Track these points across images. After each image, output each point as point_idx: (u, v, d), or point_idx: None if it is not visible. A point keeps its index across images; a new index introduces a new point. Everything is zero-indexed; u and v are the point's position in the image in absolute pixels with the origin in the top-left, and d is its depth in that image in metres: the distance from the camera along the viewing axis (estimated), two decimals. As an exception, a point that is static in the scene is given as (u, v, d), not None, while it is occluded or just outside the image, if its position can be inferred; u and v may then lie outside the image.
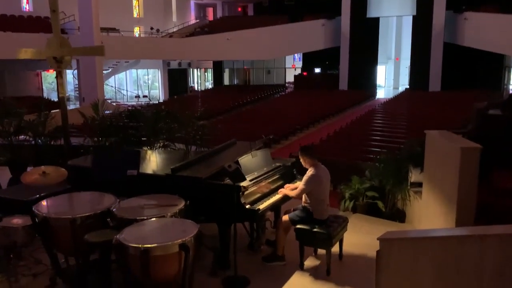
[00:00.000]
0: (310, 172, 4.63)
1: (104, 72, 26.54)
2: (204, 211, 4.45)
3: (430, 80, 25.17)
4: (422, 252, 3.14)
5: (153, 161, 5.47)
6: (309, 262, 4.87)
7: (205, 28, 28.69)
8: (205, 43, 25.63)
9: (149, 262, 3.29)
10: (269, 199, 4.65)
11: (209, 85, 35.45)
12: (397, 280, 3.31)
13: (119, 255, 3.47)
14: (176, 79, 31.39)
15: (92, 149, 5.71)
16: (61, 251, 4.20)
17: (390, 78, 35.28)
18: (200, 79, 36.83)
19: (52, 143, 7.19)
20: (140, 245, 3.28)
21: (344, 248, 5.01)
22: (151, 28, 28.09)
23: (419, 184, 6.02)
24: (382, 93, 29.82)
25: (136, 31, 29.80)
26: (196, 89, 34.17)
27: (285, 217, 4.76)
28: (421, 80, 25.47)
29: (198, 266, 4.27)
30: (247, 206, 4.27)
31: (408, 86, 28.38)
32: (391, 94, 27.12)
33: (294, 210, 4.86)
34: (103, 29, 24.11)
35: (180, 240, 3.35)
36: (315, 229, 4.51)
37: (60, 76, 6.26)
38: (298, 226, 4.60)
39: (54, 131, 6.99)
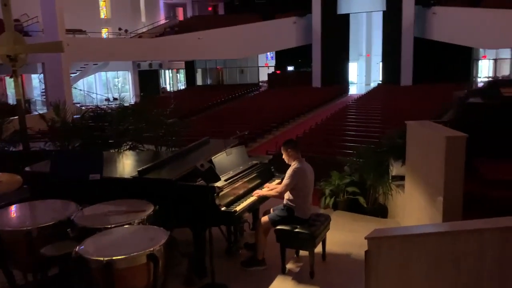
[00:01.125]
0: (294, 165, 4.34)
1: (72, 75, 25.71)
2: (176, 216, 4.09)
3: (401, 75, 25.35)
4: (415, 250, 2.88)
5: (120, 164, 5.07)
6: (291, 265, 4.56)
7: (175, 28, 28.14)
8: (176, 43, 25.14)
9: (114, 276, 2.92)
10: (246, 199, 4.32)
11: (182, 86, 34.86)
12: (388, 281, 3.04)
13: (79, 269, 3.08)
14: (147, 80, 30.68)
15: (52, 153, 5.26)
16: (17, 267, 3.77)
17: (362, 75, 35.49)
18: (172, 80, 36.19)
19: (11, 149, 6.67)
20: (102, 258, 2.91)
21: (327, 247, 4.73)
22: (119, 29, 27.35)
23: (401, 178, 5.82)
24: (354, 89, 29.93)
25: (104, 33, 28.98)
26: (168, 90, 33.52)
27: (265, 218, 4.45)
28: (392, 75, 25.68)
29: (172, 275, 3.94)
30: (223, 208, 3.94)
31: (379, 82, 28.53)
32: (363, 90, 27.18)
33: (274, 210, 4.56)
34: (69, 31, 23.29)
35: (147, 250, 2.99)
36: (296, 229, 4.21)
37: (15, 76, 5.78)
38: (279, 227, 4.29)
39: (12, 136, 6.48)
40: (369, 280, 3.09)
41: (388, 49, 26.06)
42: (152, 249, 3.01)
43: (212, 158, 4.33)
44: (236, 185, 4.37)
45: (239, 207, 4.09)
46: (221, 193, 4.04)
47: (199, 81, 34.45)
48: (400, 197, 5.71)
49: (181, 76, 35.78)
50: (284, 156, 4.47)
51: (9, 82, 26.75)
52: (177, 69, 35.30)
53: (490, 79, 25.00)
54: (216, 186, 3.93)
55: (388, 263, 2.97)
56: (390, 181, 5.91)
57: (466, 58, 25.91)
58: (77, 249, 3.07)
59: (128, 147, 6.49)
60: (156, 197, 4.06)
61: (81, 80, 28.40)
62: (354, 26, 30.11)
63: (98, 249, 3.06)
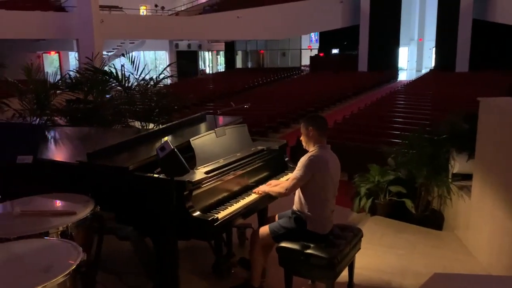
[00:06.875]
0: (311, 152, 2.97)
1: (109, 53, 25.18)
2: (132, 220, 2.85)
3: (457, 61, 23.19)
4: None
5: (81, 142, 3.86)
6: (302, 296, 3.21)
7: (214, 6, 26.91)
8: (214, 22, 23.91)
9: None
10: (238, 201, 2.98)
11: (222, 68, 33.80)
12: None
13: None
14: (185, 61, 29.74)
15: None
16: None
17: (412, 60, 33.37)
18: (212, 62, 35.21)
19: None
20: None
21: (357, 272, 3.33)
22: (156, 6, 26.45)
23: (466, 176, 4.30)
24: (404, 76, 27.82)
25: (142, 10, 28.18)
26: (207, 72, 32.55)
27: (264, 229, 3.08)
28: (447, 61, 23.57)
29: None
30: (195, 214, 2.62)
31: (432, 68, 26.30)
32: (414, 77, 25.06)
33: (280, 217, 3.21)
34: (105, 7, 22.65)
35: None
36: (308, 251, 2.83)
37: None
38: (283, 244, 2.93)
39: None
40: None
41: (443, 32, 23.87)
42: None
43: (191, 140, 3.00)
44: (227, 179, 3.03)
45: (223, 213, 2.75)
46: (197, 192, 2.72)
47: (239, 64, 33.31)
48: (463, 203, 4.19)
49: (221, 58, 34.69)
50: (302, 137, 3.09)
51: (47, 59, 26.64)
52: (217, 51, 34.23)
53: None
54: (187, 181, 2.62)
55: None
56: (449, 180, 4.39)
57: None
58: None
59: (120, 124, 5.25)
60: (107, 191, 2.85)
61: (118, 59, 27.84)
62: (406, 8, 27.84)
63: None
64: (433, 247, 4.06)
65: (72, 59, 26.42)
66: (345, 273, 3.17)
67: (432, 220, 4.57)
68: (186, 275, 3.33)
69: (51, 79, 5.36)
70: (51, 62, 26.89)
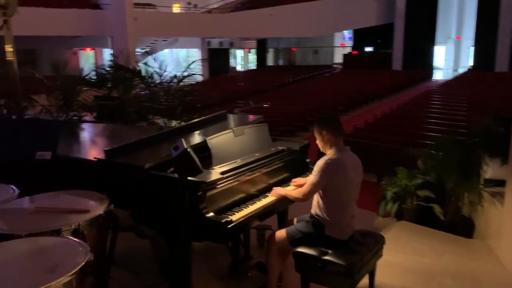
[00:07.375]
0: (328, 156, 2.87)
1: (142, 51, 25.58)
2: (146, 218, 2.82)
3: (496, 60, 22.31)
4: None
5: (103, 139, 3.88)
6: (320, 303, 3.10)
7: (246, 4, 26.92)
8: (245, 20, 23.93)
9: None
10: (255, 203, 2.90)
11: (253, 66, 33.81)
12: None
13: None
14: (217, 59, 29.89)
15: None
16: None
17: (449, 60, 32.28)
18: (243, 60, 35.26)
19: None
20: None
21: (378, 279, 3.19)
22: (188, 3, 26.70)
23: (499, 182, 4.08)
24: (440, 75, 27.02)
25: (176, 8, 28.49)
26: (238, 70, 32.63)
27: (281, 233, 3.00)
28: (486, 60, 22.69)
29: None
30: (209, 215, 2.55)
31: (470, 68, 25.44)
32: (450, 76, 24.29)
33: (298, 221, 3.12)
34: (138, 5, 22.98)
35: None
36: (326, 257, 2.73)
37: (7, 27, 4.75)
38: (300, 249, 2.84)
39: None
40: None
41: (483, 31, 22.99)
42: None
43: (207, 139, 2.95)
44: (244, 180, 2.95)
45: (237, 215, 2.67)
46: (211, 192, 2.66)
47: (270, 62, 33.21)
48: (495, 211, 3.98)
49: (252, 56, 34.71)
50: (317, 141, 2.99)
51: (83, 56, 27.36)
52: (249, 48, 34.24)
53: None
54: (201, 181, 2.56)
55: None
56: (481, 186, 4.18)
57: None
58: None
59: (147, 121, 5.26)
60: (123, 189, 2.84)
61: (151, 57, 28.23)
62: (443, 5, 26.96)
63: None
64: (461, 256, 3.87)
65: (107, 55, 26.99)
66: (365, 280, 3.05)
67: (462, 227, 4.35)
68: (201, 276, 3.29)
69: (83, 75, 5.43)
70: (86, 59, 27.58)
